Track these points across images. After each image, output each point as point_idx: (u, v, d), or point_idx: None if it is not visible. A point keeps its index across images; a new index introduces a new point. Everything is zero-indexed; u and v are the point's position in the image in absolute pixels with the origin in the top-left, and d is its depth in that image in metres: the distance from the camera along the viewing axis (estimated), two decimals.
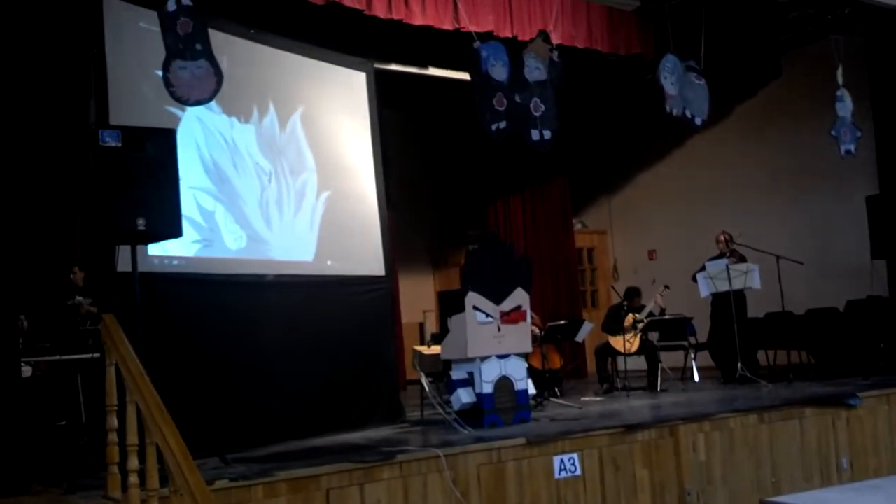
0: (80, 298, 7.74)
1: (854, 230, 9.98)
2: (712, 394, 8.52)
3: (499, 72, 7.37)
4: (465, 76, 7.83)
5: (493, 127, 7.27)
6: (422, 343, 10.37)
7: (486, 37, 7.86)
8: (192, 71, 5.70)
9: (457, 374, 6.74)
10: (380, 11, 7.55)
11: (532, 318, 9.19)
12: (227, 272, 6.52)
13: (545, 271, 12.48)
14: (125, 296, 5.20)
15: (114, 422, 4.37)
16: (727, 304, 9.21)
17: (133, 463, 4.08)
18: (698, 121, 8.35)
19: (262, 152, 7.08)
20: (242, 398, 6.28)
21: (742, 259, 9.51)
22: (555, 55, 7.76)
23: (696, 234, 11.52)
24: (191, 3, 5.65)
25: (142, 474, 4.06)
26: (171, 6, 5.64)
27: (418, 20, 7.84)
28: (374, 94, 8.17)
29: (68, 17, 6.39)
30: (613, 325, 9.54)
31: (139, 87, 6.12)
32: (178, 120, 6.50)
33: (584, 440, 6.02)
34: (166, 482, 3.94)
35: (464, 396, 6.62)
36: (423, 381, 7.08)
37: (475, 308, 6.67)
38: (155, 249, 5.93)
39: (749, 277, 9.13)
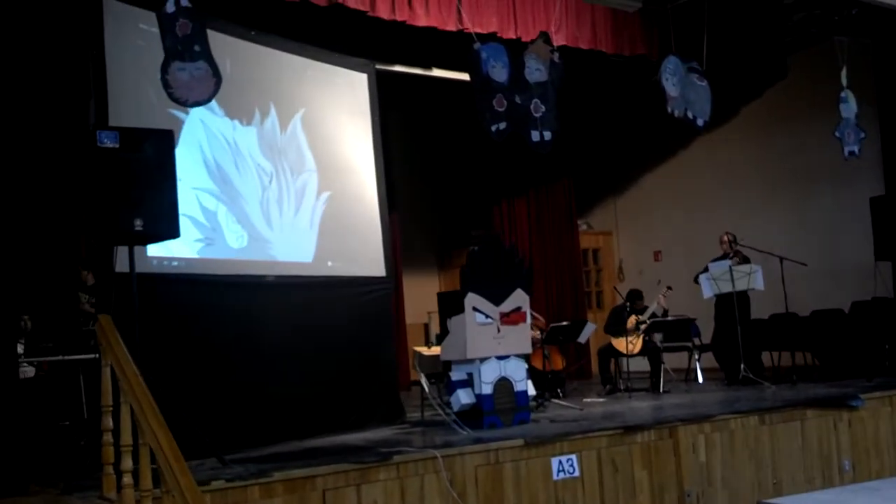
0: (84, 296, 7.80)
1: (860, 231, 9.93)
2: (715, 395, 8.50)
3: (499, 73, 7.37)
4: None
5: (493, 128, 7.26)
6: (426, 344, 10.37)
7: (490, 38, 7.87)
8: (191, 72, 5.72)
9: (456, 375, 6.74)
10: (383, 13, 7.57)
11: (535, 318, 9.22)
12: (226, 273, 6.53)
13: (550, 272, 12.48)
14: (124, 297, 5.22)
15: (109, 422, 4.39)
16: (731, 305, 9.18)
17: (127, 463, 4.11)
18: (700, 122, 8.32)
19: (264, 154, 7.11)
20: (242, 399, 6.29)
21: (745, 260, 9.48)
22: (555, 56, 7.75)
23: (701, 234, 11.48)
24: (189, 5, 5.67)
25: (137, 475, 4.08)
26: (170, 7, 5.66)
27: (422, 21, 7.86)
28: (375, 95, 8.18)
29: (68, 19, 6.42)
30: (616, 326, 9.52)
31: (143, 89, 6.15)
32: (181, 123, 6.54)
33: (582, 441, 6.01)
34: (160, 483, 3.95)
35: (463, 397, 6.62)
36: (423, 381, 7.09)
37: (475, 309, 6.68)
38: (155, 250, 5.94)
39: (752, 279, 9.10)
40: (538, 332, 8.89)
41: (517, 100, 7.44)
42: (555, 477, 5.81)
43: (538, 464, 5.77)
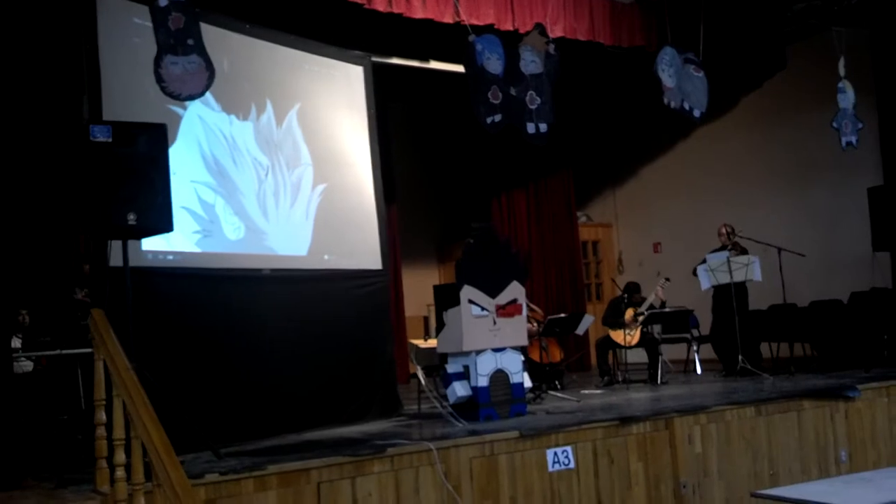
0: (83, 291, 7.82)
1: (859, 222, 9.93)
2: (712, 386, 8.50)
3: (494, 65, 7.37)
4: None
5: (488, 120, 7.27)
6: (426, 336, 10.38)
7: (487, 30, 7.86)
8: (184, 66, 5.73)
9: (452, 367, 6.74)
10: (380, 5, 7.59)
11: (533, 311, 9.23)
12: (221, 266, 6.54)
13: (549, 264, 12.50)
14: (118, 291, 5.23)
15: (102, 416, 4.41)
16: (728, 296, 9.19)
17: (120, 457, 4.11)
18: (697, 113, 8.32)
19: (260, 148, 7.11)
20: (238, 392, 6.30)
21: (744, 251, 9.49)
22: (551, 48, 7.75)
23: (701, 226, 11.48)
24: None
25: (129, 468, 4.10)
26: (163, 1, 5.67)
27: (419, 14, 7.86)
28: (371, 87, 8.16)
29: (62, 15, 6.42)
30: (614, 318, 9.53)
31: (140, 85, 6.11)
32: (179, 118, 6.54)
33: (578, 433, 6.00)
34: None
35: (459, 390, 6.62)
36: (420, 374, 7.10)
37: (471, 301, 6.68)
38: (150, 244, 5.95)
39: (750, 269, 9.10)
40: (535, 325, 8.90)
41: (512, 92, 7.45)
42: (550, 469, 5.81)
43: (533, 456, 5.77)
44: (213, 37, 6.42)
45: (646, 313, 9.41)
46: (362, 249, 7.73)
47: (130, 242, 5.35)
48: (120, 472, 4.09)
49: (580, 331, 9.08)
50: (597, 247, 13.98)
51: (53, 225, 8.22)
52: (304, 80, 7.60)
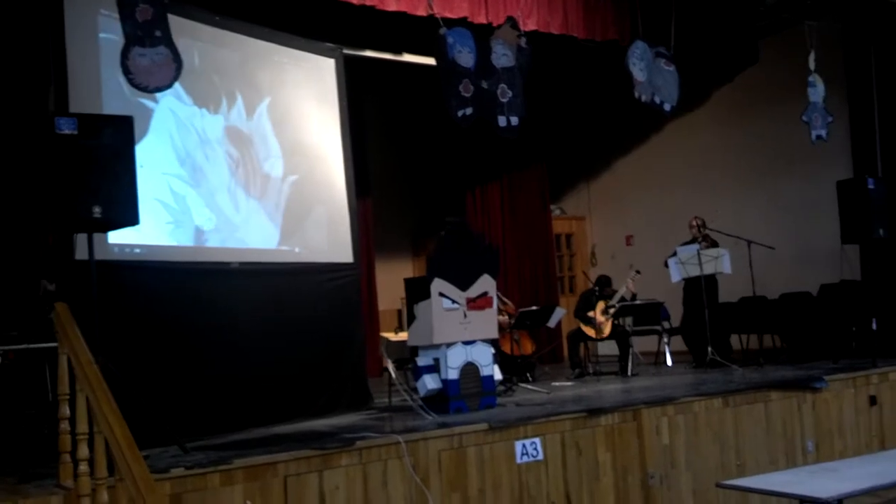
0: (51, 283, 7.75)
1: (829, 215, 9.98)
2: (682, 378, 8.57)
3: (465, 58, 7.36)
4: None
5: (460, 113, 7.26)
6: (400, 330, 10.38)
7: (460, 24, 7.83)
8: (152, 58, 5.68)
9: (423, 360, 6.76)
10: None
11: (505, 304, 9.26)
12: (189, 259, 6.51)
13: (523, 257, 12.53)
14: (83, 284, 5.20)
15: (66, 411, 4.38)
16: (699, 288, 9.26)
17: (83, 452, 4.09)
18: (667, 107, 8.36)
19: (231, 141, 7.08)
20: (207, 386, 6.27)
21: (714, 244, 9.56)
22: (523, 41, 7.75)
23: (673, 219, 11.52)
24: None
25: (93, 463, 4.08)
26: None
27: (392, 6, 7.80)
28: (343, 80, 8.14)
29: (28, 6, 6.35)
30: (585, 311, 9.58)
31: (113, 78, 6.07)
32: (151, 112, 6.51)
33: (546, 425, 6.04)
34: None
35: (429, 382, 6.63)
36: (390, 367, 7.11)
37: (441, 295, 6.69)
38: (117, 237, 5.91)
39: (719, 262, 9.18)
40: (507, 317, 8.93)
41: (484, 85, 7.44)
42: (518, 460, 5.85)
43: (502, 447, 5.80)
44: (183, 29, 6.39)
45: (617, 306, 9.46)
46: (333, 243, 7.72)
47: (97, 235, 5.32)
48: (83, 467, 4.07)
49: (551, 323, 9.13)
50: (570, 239, 14.02)
51: (21, 217, 8.14)
52: (274, 72, 7.56)
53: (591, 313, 9.44)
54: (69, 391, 4.40)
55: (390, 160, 12.93)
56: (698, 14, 9.65)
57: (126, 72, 5.62)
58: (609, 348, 9.94)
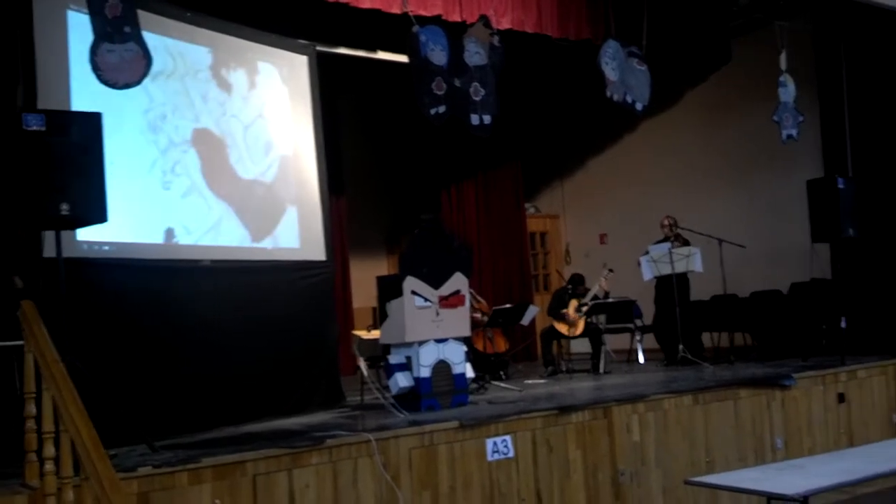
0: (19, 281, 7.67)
1: (800, 214, 10.07)
2: (654, 376, 8.63)
3: (438, 56, 7.36)
4: None
5: (432, 111, 7.27)
6: (373, 328, 10.36)
7: (434, 21, 7.82)
8: (121, 54, 5.64)
9: (395, 358, 6.76)
10: None
11: (479, 302, 9.28)
12: (159, 257, 6.47)
13: (497, 255, 12.55)
14: (52, 281, 5.15)
15: (32, 409, 4.34)
16: (670, 287, 9.32)
17: (49, 450, 4.05)
18: (639, 106, 8.41)
19: (202, 139, 7.03)
20: (177, 384, 6.22)
21: (686, 243, 9.63)
22: (495, 40, 7.76)
23: (646, 217, 11.56)
24: None
25: (59, 462, 4.04)
26: None
27: (366, 3, 7.78)
28: (316, 77, 8.11)
29: None
30: (558, 309, 9.61)
31: (84, 75, 6.00)
32: (121, 109, 6.40)
33: (517, 422, 6.06)
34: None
35: (401, 380, 6.63)
36: (362, 365, 7.09)
37: (413, 293, 6.69)
38: (86, 234, 5.86)
39: (691, 261, 9.26)
40: (481, 315, 8.95)
41: (456, 83, 7.45)
42: (489, 458, 5.86)
43: (473, 445, 5.82)
44: (153, 25, 6.35)
45: (590, 304, 9.51)
46: (306, 240, 7.70)
47: (65, 233, 5.27)
48: (49, 466, 4.03)
49: (525, 321, 9.15)
50: (545, 238, 14.07)
51: None
52: (247, 69, 7.53)
53: (564, 311, 9.47)
54: (35, 390, 4.36)
55: (365, 158, 12.91)
56: (671, 14, 9.70)
57: (95, 68, 5.58)
58: (582, 346, 9.98)
